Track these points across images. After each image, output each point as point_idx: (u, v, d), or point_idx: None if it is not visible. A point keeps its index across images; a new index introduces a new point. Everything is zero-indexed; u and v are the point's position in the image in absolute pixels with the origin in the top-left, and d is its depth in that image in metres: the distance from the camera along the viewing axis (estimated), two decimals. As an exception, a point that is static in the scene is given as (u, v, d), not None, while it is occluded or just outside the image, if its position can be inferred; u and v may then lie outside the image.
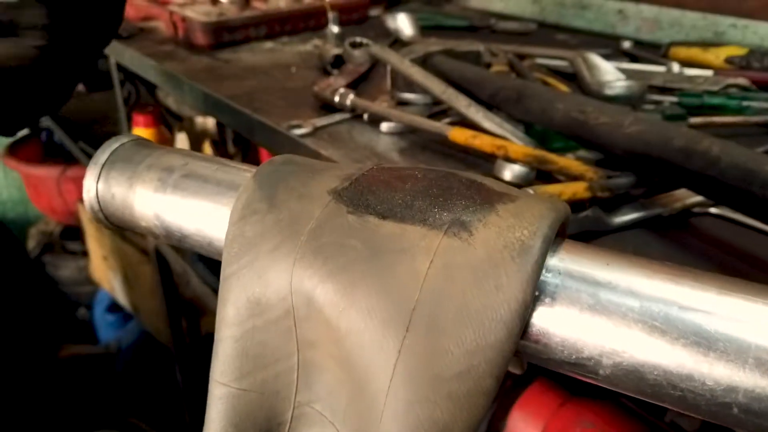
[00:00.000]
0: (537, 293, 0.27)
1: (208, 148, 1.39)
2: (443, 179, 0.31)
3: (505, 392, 0.72)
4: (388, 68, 0.85)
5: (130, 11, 1.45)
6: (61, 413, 0.54)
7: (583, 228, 0.57)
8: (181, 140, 1.38)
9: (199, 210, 0.36)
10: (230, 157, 1.43)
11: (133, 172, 0.38)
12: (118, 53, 1.30)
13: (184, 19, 1.26)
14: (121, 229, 0.41)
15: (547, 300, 0.27)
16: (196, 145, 1.39)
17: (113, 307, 2.23)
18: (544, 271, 0.28)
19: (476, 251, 0.27)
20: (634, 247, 0.57)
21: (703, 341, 0.25)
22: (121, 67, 1.43)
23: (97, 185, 0.39)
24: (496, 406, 0.72)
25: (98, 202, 0.39)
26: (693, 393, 0.25)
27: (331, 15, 1.24)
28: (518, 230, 0.27)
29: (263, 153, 1.37)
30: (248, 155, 1.46)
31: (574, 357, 0.27)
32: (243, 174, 0.36)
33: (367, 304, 0.28)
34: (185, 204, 0.36)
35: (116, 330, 2.21)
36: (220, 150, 1.41)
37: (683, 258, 0.55)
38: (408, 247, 0.28)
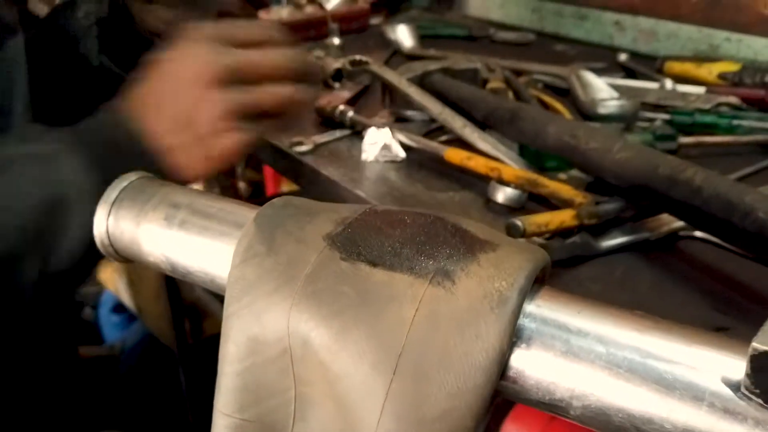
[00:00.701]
0: (514, 339, 0.30)
1: (211, 156, 1.41)
2: (431, 225, 0.34)
3: (498, 406, 0.74)
4: (387, 87, 0.87)
5: (134, 20, 1.47)
6: (66, 414, 0.57)
7: (571, 254, 0.59)
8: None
9: (203, 249, 0.38)
10: (233, 165, 1.45)
11: (140, 210, 0.40)
12: (123, 63, 1.32)
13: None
14: (130, 262, 0.43)
15: (523, 344, 0.30)
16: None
17: (118, 307, 2.26)
18: (521, 317, 0.30)
19: (458, 301, 0.29)
20: (621, 271, 0.59)
21: (663, 388, 0.27)
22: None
23: (107, 222, 0.41)
24: (489, 418, 0.75)
25: (108, 237, 0.41)
26: (654, 436, 0.27)
27: (331, 26, 1.26)
28: (497, 281, 0.30)
29: (266, 166, 1.40)
30: (250, 161, 1.48)
31: (547, 398, 0.29)
32: (245, 213, 0.38)
33: (357, 348, 0.30)
34: (190, 243, 0.38)
35: (121, 330, 2.23)
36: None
37: (669, 282, 0.57)
38: (396, 294, 0.30)
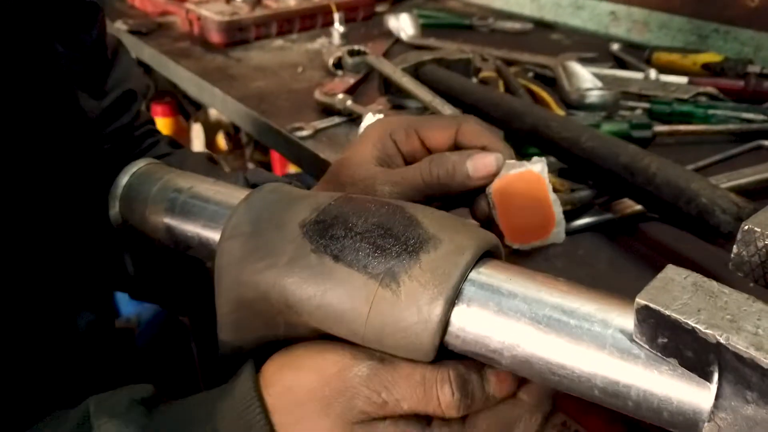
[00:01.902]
0: (457, 301, 0.36)
1: (221, 138, 1.48)
2: (390, 215, 0.40)
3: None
4: (383, 76, 0.93)
5: (148, 6, 1.53)
6: (84, 384, 0.61)
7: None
8: (196, 131, 1.46)
9: (200, 228, 0.45)
10: (243, 147, 1.52)
11: (147, 194, 0.47)
12: (138, 49, 1.39)
13: (199, 18, 1.34)
14: (139, 238, 0.50)
15: (464, 305, 0.36)
16: (210, 135, 1.48)
17: (132, 283, 2.34)
18: (466, 282, 0.36)
19: (402, 303, 0.36)
20: (584, 249, 0.65)
21: (573, 339, 0.33)
22: (140, 62, 1.52)
23: (119, 203, 0.48)
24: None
25: (120, 216, 0.48)
26: (567, 378, 0.34)
27: (336, 15, 1.31)
28: (430, 288, 0.36)
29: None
30: (258, 145, 1.54)
31: (483, 350, 0.36)
32: (237, 196, 0.44)
33: (333, 317, 0.37)
34: (190, 223, 0.45)
35: (136, 304, 2.31)
36: (233, 140, 1.50)
37: (626, 259, 0.63)
38: (354, 295, 0.37)
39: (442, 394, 0.36)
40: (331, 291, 0.37)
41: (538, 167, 0.50)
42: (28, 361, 0.51)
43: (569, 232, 0.67)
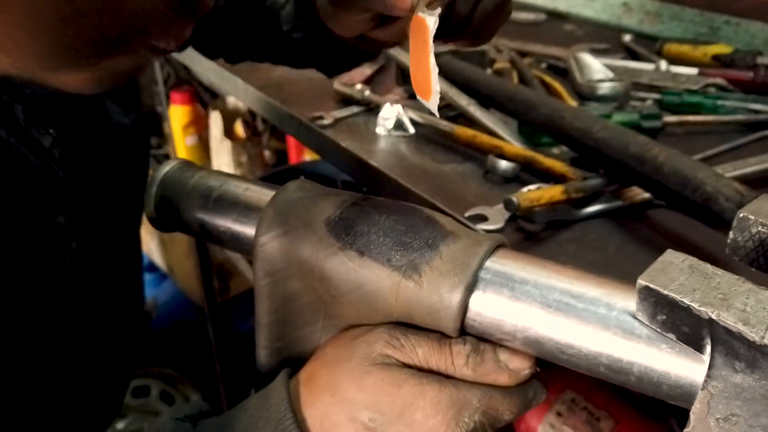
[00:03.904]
0: (475, 288, 0.39)
1: (239, 126, 1.51)
2: (410, 214, 0.43)
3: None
4: (400, 66, 0.96)
5: (169, -4, 1.56)
6: (101, 365, 0.64)
7: (551, 218, 0.68)
8: (215, 119, 1.50)
9: (231, 224, 0.48)
10: (260, 134, 1.55)
11: (181, 191, 0.51)
12: (160, 38, 1.42)
13: (219, 8, 1.37)
14: (172, 232, 0.54)
15: (480, 291, 0.39)
16: (228, 123, 1.52)
17: (150, 267, 2.39)
18: (482, 271, 0.40)
19: (425, 291, 0.39)
20: (595, 235, 0.68)
21: (581, 321, 0.37)
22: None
23: (154, 200, 0.52)
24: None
25: (155, 211, 0.52)
26: (575, 357, 0.37)
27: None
28: (452, 276, 0.39)
29: (289, 136, 1.49)
30: (275, 132, 1.58)
31: (498, 332, 0.39)
32: (266, 194, 0.48)
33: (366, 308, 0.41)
34: (221, 218, 0.49)
35: (153, 288, 2.37)
36: (251, 128, 1.53)
37: (634, 245, 0.66)
38: (380, 287, 0.41)
39: (455, 345, 0.40)
40: (360, 285, 0.41)
41: (430, 20, 0.41)
42: (50, 337, 0.54)
43: (582, 218, 0.70)
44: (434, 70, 0.42)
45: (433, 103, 0.43)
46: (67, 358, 0.57)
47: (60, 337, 0.55)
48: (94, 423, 0.66)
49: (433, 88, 0.42)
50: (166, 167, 0.53)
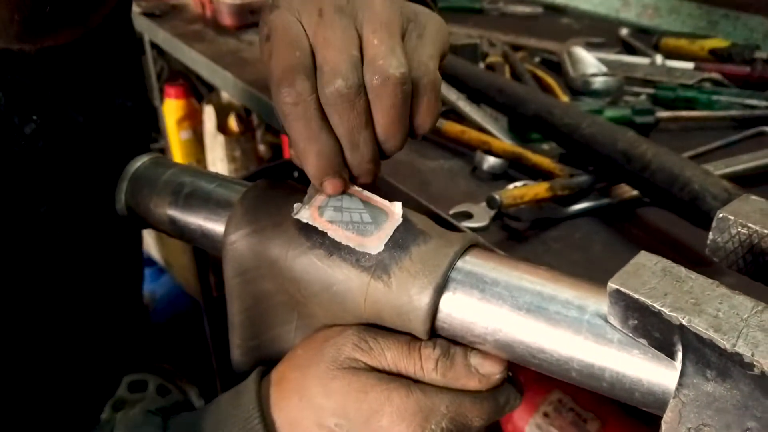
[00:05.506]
0: (445, 289, 0.38)
1: (233, 120, 1.50)
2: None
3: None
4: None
5: (162, -11, 1.55)
6: (99, 359, 0.63)
7: (537, 216, 0.67)
8: (209, 113, 1.49)
9: (202, 222, 0.47)
10: (254, 129, 1.54)
11: (152, 188, 0.50)
12: (152, 32, 1.41)
13: (211, 1, 1.36)
14: (144, 229, 0.52)
15: (450, 293, 0.38)
16: (222, 117, 1.50)
17: (148, 261, 2.39)
18: (453, 271, 0.38)
19: (394, 293, 0.38)
20: (581, 233, 0.67)
21: (552, 324, 0.35)
22: (153, 44, 1.54)
23: (124, 196, 0.50)
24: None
25: (126, 208, 0.51)
26: (546, 361, 0.36)
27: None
28: (420, 278, 0.38)
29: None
30: (270, 127, 1.56)
31: (469, 335, 0.38)
32: (238, 191, 0.46)
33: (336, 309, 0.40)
34: (192, 216, 0.47)
35: (151, 282, 2.36)
36: (245, 122, 1.52)
37: (620, 244, 0.65)
38: (350, 287, 0.39)
39: (424, 349, 0.39)
40: (330, 285, 0.40)
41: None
42: (48, 332, 0.54)
43: (569, 216, 0.68)
44: None
45: None
46: (58, 347, 0.56)
47: (48, 329, 0.54)
48: (87, 412, 0.65)
49: None
50: (137, 162, 0.51)
